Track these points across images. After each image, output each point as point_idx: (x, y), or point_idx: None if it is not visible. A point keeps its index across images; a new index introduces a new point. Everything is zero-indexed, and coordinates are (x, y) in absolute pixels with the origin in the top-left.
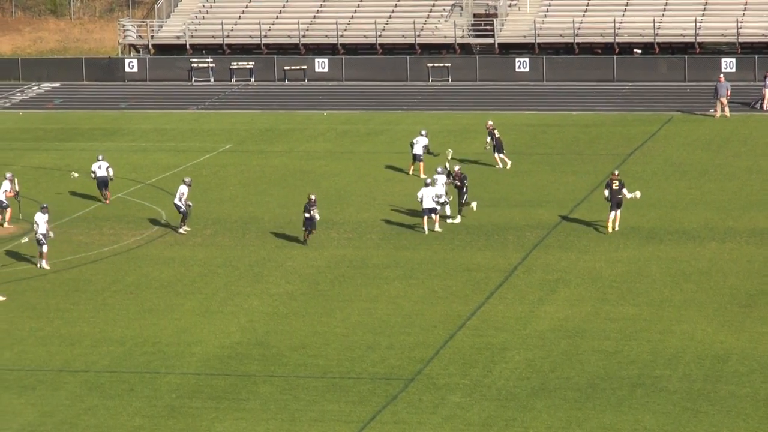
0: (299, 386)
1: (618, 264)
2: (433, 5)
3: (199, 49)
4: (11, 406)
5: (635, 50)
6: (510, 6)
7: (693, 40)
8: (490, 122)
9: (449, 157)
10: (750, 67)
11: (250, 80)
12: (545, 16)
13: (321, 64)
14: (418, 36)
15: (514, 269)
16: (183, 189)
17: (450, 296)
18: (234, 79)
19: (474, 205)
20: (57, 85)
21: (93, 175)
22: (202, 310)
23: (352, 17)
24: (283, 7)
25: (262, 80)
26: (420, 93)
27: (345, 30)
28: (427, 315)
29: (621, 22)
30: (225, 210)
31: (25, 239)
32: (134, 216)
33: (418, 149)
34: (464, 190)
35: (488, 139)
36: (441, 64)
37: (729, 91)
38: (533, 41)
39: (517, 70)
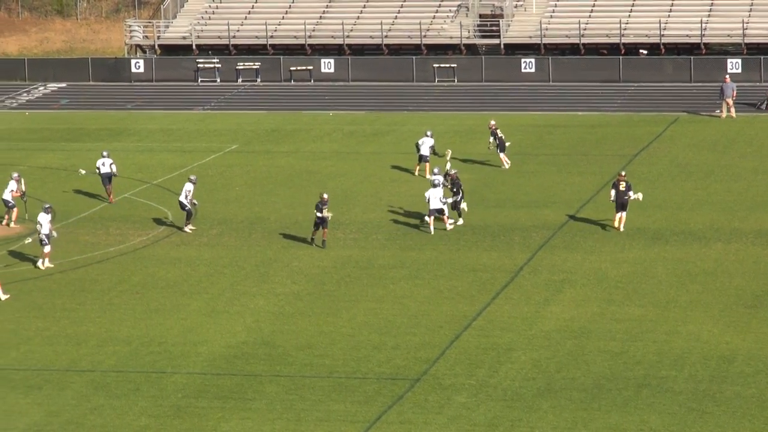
0: (305, 386)
1: (624, 265)
2: (439, 6)
3: (206, 50)
4: (17, 406)
5: (641, 51)
6: (516, 7)
7: (699, 41)
8: (493, 122)
9: (448, 158)
10: (756, 68)
11: (256, 81)
12: (551, 17)
13: (327, 65)
14: (424, 36)
15: (519, 270)
16: (189, 187)
17: (456, 296)
18: (240, 80)
19: (464, 205)
20: (63, 85)
21: (97, 171)
22: (208, 310)
23: (358, 18)
24: (289, 7)
25: (268, 81)
26: (426, 93)
27: (351, 30)
28: (433, 315)
29: (627, 23)
30: (231, 210)
31: (29, 240)
32: (140, 216)
33: (424, 150)
34: (460, 193)
35: (491, 139)
36: (447, 65)
37: (735, 92)
38: (539, 42)
39: (523, 70)
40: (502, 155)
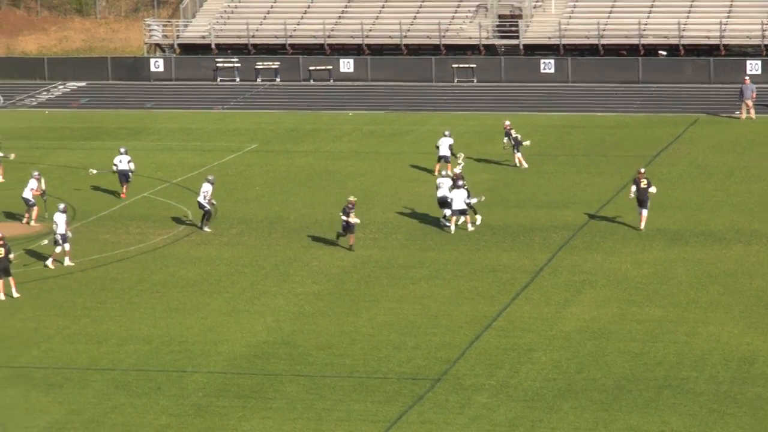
0: (326, 386)
1: (644, 265)
2: (458, 6)
3: (225, 49)
4: (38, 404)
5: (660, 52)
6: (535, 7)
7: (718, 42)
8: (507, 122)
9: (460, 161)
10: None
11: (275, 80)
12: (570, 18)
13: (346, 65)
14: (443, 37)
15: (540, 270)
16: (207, 187)
17: (476, 297)
18: (259, 79)
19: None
20: (83, 84)
21: (114, 168)
22: (229, 310)
23: (378, 18)
24: (309, 7)
25: (288, 80)
26: (445, 94)
27: (370, 30)
28: (453, 315)
29: (646, 24)
30: (251, 210)
31: (45, 241)
32: (160, 215)
33: (444, 150)
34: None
35: (505, 139)
36: (466, 65)
37: (754, 93)
38: (558, 42)
39: (542, 71)
40: (518, 155)
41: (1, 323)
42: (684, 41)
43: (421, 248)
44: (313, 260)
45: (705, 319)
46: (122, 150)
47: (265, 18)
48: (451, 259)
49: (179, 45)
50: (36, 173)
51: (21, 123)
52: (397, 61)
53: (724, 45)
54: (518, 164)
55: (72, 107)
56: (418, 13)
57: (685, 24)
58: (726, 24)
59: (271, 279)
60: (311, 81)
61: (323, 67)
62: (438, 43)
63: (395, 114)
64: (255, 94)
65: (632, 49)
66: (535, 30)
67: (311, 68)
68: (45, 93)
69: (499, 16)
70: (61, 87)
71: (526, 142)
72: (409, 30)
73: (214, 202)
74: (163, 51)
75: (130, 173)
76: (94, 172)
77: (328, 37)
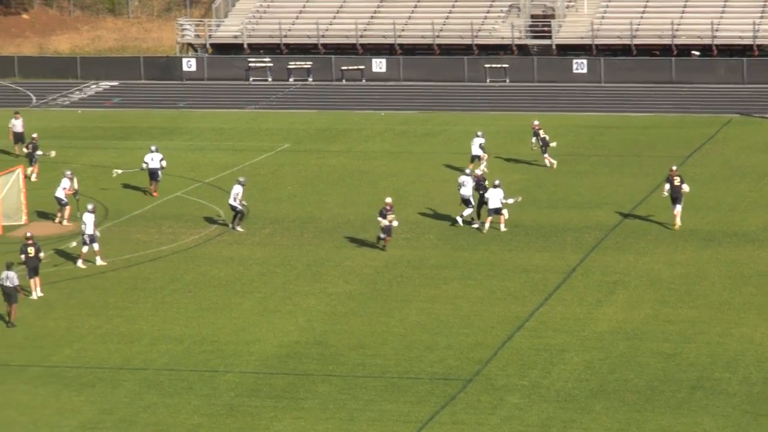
0: (357, 386)
1: (677, 266)
2: (491, 6)
3: (257, 49)
4: (71, 403)
5: (693, 52)
6: (567, 7)
7: (751, 42)
8: (536, 122)
9: (483, 164)
10: None
11: (307, 80)
12: (603, 18)
13: (378, 64)
14: (476, 37)
15: (572, 271)
16: (237, 189)
17: (508, 297)
18: (291, 79)
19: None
20: (115, 83)
21: (145, 166)
22: (261, 309)
23: (410, 17)
24: (341, 6)
25: (320, 80)
26: (477, 94)
27: (402, 30)
28: (485, 316)
29: (679, 24)
30: (283, 209)
31: (74, 244)
32: (192, 215)
33: (475, 149)
34: (485, 196)
35: (533, 139)
36: (498, 65)
37: None
38: (591, 42)
39: (574, 71)
40: (545, 155)
41: (33, 322)
42: (717, 41)
43: (453, 248)
44: (345, 260)
45: (738, 320)
46: (153, 148)
47: (297, 18)
48: (483, 260)
49: (212, 44)
50: (69, 173)
51: (54, 122)
52: (429, 61)
53: (758, 45)
54: (548, 165)
55: (105, 107)
56: (450, 12)
57: (719, 24)
58: (759, 24)
59: (303, 279)
60: (343, 81)
61: (355, 67)
62: (470, 43)
63: (427, 114)
64: (287, 94)
65: (665, 50)
66: (568, 30)
67: (343, 68)
68: (78, 92)
69: (532, 16)
70: (93, 86)
71: (553, 143)
72: (441, 30)
73: (245, 203)
74: (196, 50)
75: (160, 171)
76: (119, 172)
77: (361, 36)
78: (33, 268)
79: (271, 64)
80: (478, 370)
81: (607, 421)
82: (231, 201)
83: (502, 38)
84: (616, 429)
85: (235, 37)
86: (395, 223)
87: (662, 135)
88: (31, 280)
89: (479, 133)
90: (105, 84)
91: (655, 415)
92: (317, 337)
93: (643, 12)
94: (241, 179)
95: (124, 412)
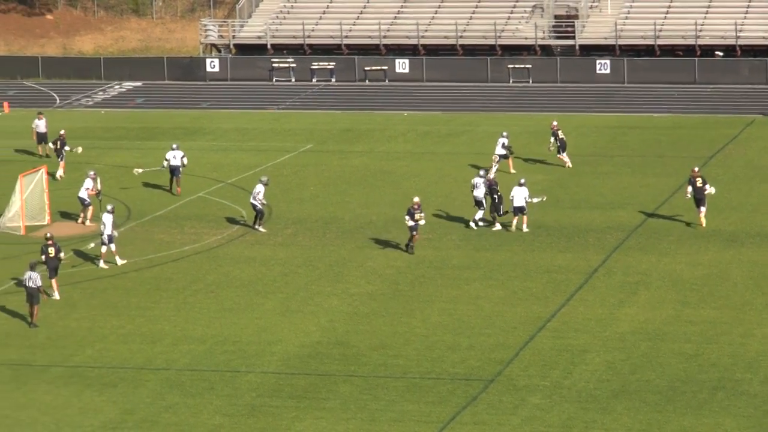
0: (379, 386)
1: (699, 267)
2: (514, 6)
3: (280, 49)
4: (93, 404)
5: (717, 52)
6: (591, 7)
7: None
8: (555, 123)
9: (495, 163)
10: None
11: (330, 80)
12: (626, 18)
13: (401, 65)
14: (499, 37)
15: (594, 271)
16: (259, 188)
17: (530, 297)
18: (315, 79)
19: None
20: (138, 84)
21: (166, 164)
22: (283, 310)
23: (433, 18)
24: (364, 7)
25: (343, 80)
26: (500, 94)
27: (426, 31)
28: (507, 316)
29: (702, 25)
30: (305, 210)
31: (92, 245)
32: (215, 215)
33: (499, 149)
34: (497, 198)
35: (552, 139)
36: (521, 66)
37: None
38: (614, 43)
39: (597, 71)
40: (564, 155)
41: (56, 322)
42: (741, 42)
43: (475, 249)
44: (367, 260)
45: (760, 320)
46: (174, 146)
47: (320, 18)
48: (505, 260)
49: (235, 45)
50: (92, 173)
51: (77, 123)
52: (452, 61)
53: None
54: (569, 164)
55: (128, 107)
56: (473, 13)
57: (742, 24)
58: None
59: (325, 279)
60: (366, 81)
61: (378, 68)
62: (494, 43)
63: (450, 114)
64: (310, 95)
65: (688, 50)
66: (591, 30)
67: (366, 68)
68: (101, 93)
69: (555, 17)
70: (117, 87)
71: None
72: (464, 30)
73: (264, 201)
74: (219, 51)
75: (181, 168)
76: (140, 171)
77: (384, 37)
78: (53, 268)
79: (294, 65)
80: (500, 370)
81: (628, 421)
82: (252, 200)
83: (526, 39)
84: (637, 430)
85: (259, 37)
86: (422, 222)
87: (685, 135)
88: (52, 281)
89: (504, 134)
90: (128, 84)
91: (677, 415)
92: (339, 338)
93: (667, 12)
94: (264, 179)
95: (146, 412)
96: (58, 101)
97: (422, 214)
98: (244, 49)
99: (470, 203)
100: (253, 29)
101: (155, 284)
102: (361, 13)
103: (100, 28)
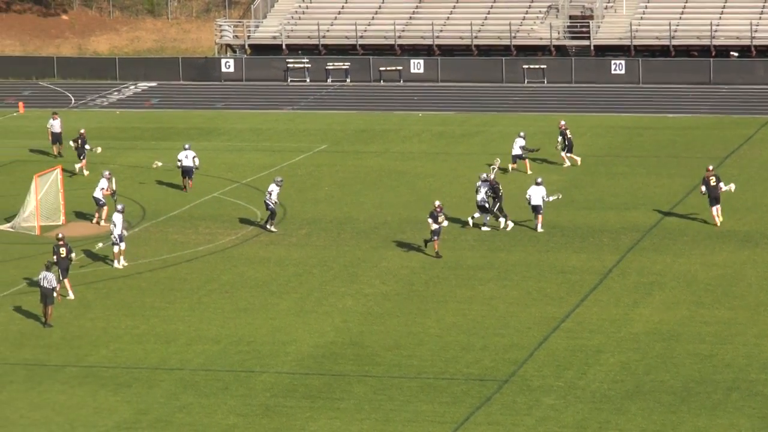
0: (393, 386)
1: (713, 267)
2: (529, 7)
3: (295, 50)
4: (107, 403)
5: (732, 53)
6: (606, 8)
7: None
8: (563, 122)
9: (497, 167)
10: None
11: (345, 81)
12: (641, 18)
13: (416, 65)
14: (514, 37)
15: (608, 272)
16: (273, 188)
17: (544, 298)
18: (330, 80)
19: (503, 221)
20: (154, 84)
21: (179, 164)
22: (297, 310)
23: (448, 18)
24: (379, 8)
25: (358, 81)
26: (515, 95)
27: (441, 31)
28: (521, 316)
29: (718, 25)
30: (320, 210)
31: (100, 245)
32: (229, 215)
33: (516, 150)
34: (497, 200)
35: (559, 138)
36: (536, 66)
37: None
38: (629, 43)
39: (612, 72)
40: (569, 154)
41: (70, 322)
42: (756, 42)
43: (489, 249)
44: (381, 261)
45: None
46: (186, 146)
47: (335, 18)
48: (519, 261)
49: (250, 45)
50: (107, 173)
51: (92, 123)
52: (467, 61)
53: None
54: (567, 163)
55: (143, 107)
56: (488, 13)
57: (758, 25)
58: None
59: (339, 279)
60: (381, 82)
61: (393, 68)
62: (508, 43)
63: (465, 115)
64: (325, 95)
65: (703, 50)
66: (606, 31)
67: (381, 69)
68: (116, 93)
69: (570, 17)
70: (132, 87)
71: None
72: (479, 31)
73: (277, 201)
74: (234, 51)
75: (194, 169)
76: (159, 164)
77: (399, 37)
78: (65, 268)
79: (309, 65)
80: (514, 371)
81: (642, 422)
82: (266, 199)
83: (541, 39)
84: (651, 430)
85: (274, 38)
86: (445, 224)
87: (700, 136)
88: (65, 281)
89: (521, 134)
90: (143, 85)
91: (691, 416)
92: (353, 338)
93: (682, 13)
94: (278, 179)
95: (160, 412)
96: (73, 101)
97: (444, 216)
98: (259, 49)
99: None
100: (268, 30)
101: (170, 284)
102: (376, 13)
103: (115, 29)
